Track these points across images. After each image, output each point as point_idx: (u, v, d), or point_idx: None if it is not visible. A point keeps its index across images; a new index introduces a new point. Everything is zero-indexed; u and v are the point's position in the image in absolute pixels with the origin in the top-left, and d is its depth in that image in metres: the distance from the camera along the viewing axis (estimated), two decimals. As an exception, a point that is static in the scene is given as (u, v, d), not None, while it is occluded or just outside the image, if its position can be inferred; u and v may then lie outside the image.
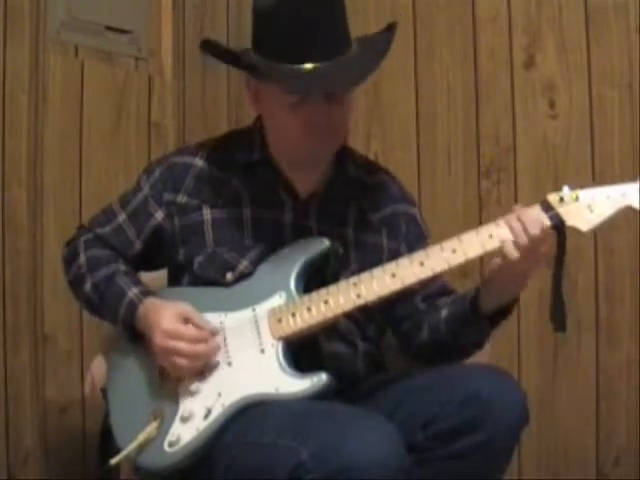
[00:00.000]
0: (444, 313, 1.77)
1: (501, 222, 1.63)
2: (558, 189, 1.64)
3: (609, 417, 2.47)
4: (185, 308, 1.71)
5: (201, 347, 1.67)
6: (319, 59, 1.66)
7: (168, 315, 1.68)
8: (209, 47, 1.77)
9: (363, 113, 2.73)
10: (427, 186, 2.70)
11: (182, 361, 1.66)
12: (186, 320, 1.69)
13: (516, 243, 1.59)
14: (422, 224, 1.89)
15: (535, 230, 1.58)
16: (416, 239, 1.79)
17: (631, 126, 2.44)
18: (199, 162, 1.82)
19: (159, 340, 1.68)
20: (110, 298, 1.77)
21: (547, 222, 1.61)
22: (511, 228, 1.60)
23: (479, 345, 1.78)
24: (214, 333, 1.70)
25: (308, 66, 1.65)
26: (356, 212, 1.83)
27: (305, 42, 1.66)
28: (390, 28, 1.76)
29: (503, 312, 1.72)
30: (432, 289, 1.81)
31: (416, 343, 1.82)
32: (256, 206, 1.79)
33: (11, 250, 2.56)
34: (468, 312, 1.72)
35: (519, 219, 1.60)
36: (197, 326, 1.69)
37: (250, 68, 1.72)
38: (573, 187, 1.63)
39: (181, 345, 1.66)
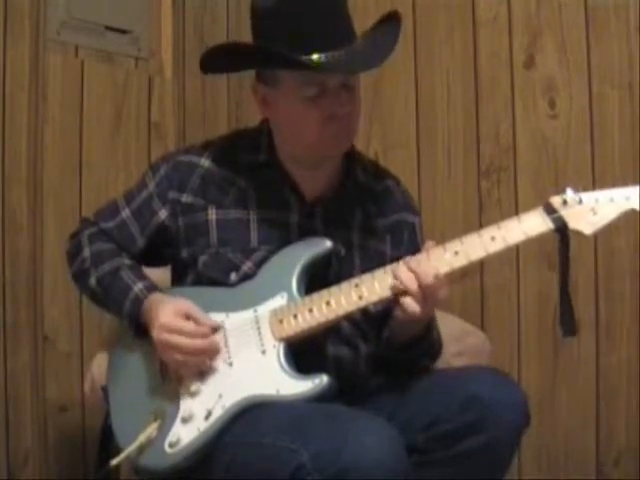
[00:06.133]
0: (385, 333, 1.79)
1: (502, 225, 1.63)
2: (558, 189, 1.64)
3: (609, 417, 2.47)
4: (186, 304, 1.71)
5: (198, 342, 1.67)
6: (327, 49, 1.65)
7: (167, 310, 1.68)
8: (221, 62, 1.77)
9: (363, 113, 2.70)
10: (427, 186, 2.70)
11: (179, 356, 1.66)
12: (186, 316, 1.69)
13: (414, 297, 1.60)
14: (419, 235, 1.89)
15: (428, 280, 1.60)
16: (414, 250, 1.74)
17: (631, 126, 2.44)
18: (205, 162, 1.81)
19: (157, 334, 1.67)
20: (115, 293, 1.77)
21: (550, 225, 1.61)
22: (402, 281, 1.61)
23: (418, 365, 1.79)
24: (214, 329, 1.70)
25: (315, 56, 1.64)
26: (362, 217, 1.83)
27: (312, 33, 1.65)
28: (388, 18, 1.76)
29: (420, 338, 1.73)
30: None
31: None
32: (262, 207, 1.78)
33: (11, 250, 2.56)
34: (389, 342, 1.75)
35: (410, 270, 1.61)
36: (197, 322, 1.69)
37: (278, 61, 1.67)
38: (576, 190, 1.63)
39: (178, 339, 1.66)
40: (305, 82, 1.68)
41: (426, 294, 1.60)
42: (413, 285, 1.60)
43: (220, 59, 1.77)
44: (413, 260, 1.63)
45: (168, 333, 1.66)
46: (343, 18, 1.71)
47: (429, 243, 1.66)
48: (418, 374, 1.75)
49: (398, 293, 1.62)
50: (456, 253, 1.63)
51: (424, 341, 1.74)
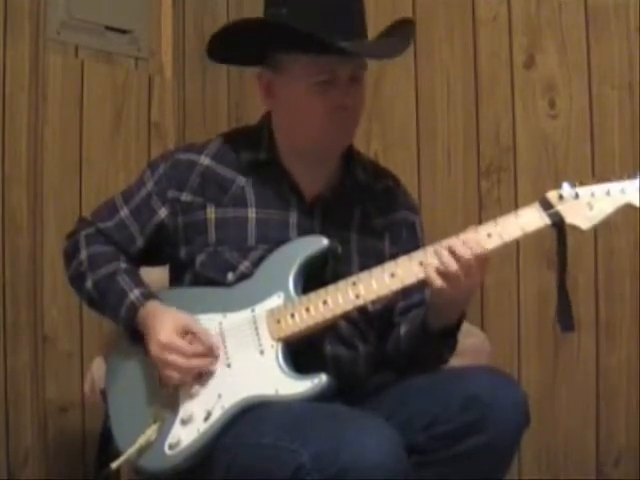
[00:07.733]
0: (403, 330, 1.79)
1: (499, 221, 1.62)
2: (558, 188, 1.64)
3: (609, 417, 2.47)
4: (185, 320, 1.70)
5: (195, 362, 1.67)
6: (348, 38, 1.66)
7: (167, 326, 1.67)
8: (231, 46, 1.76)
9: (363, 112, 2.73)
10: (427, 186, 2.70)
11: (175, 374, 1.66)
12: (185, 332, 1.68)
13: (440, 272, 1.59)
14: (420, 233, 1.89)
15: (454, 264, 1.58)
16: (413, 248, 1.72)
17: (631, 126, 2.44)
18: (205, 160, 1.80)
19: (155, 351, 1.67)
20: (111, 298, 1.76)
21: (547, 221, 1.60)
22: (439, 257, 1.60)
23: (441, 359, 1.78)
24: (213, 348, 1.69)
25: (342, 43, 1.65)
26: (361, 216, 1.82)
27: (336, 21, 1.67)
28: (397, 25, 1.78)
29: (453, 329, 1.72)
30: (411, 302, 1.81)
31: (382, 354, 1.83)
32: (261, 206, 1.78)
33: (11, 250, 2.56)
34: (419, 331, 1.73)
35: (449, 250, 1.59)
36: (197, 339, 1.68)
37: (310, 43, 1.66)
38: (573, 183, 1.62)
39: (175, 358, 1.66)
40: (316, 68, 1.69)
41: (481, 264, 1.59)
42: (468, 254, 1.57)
43: (244, 35, 1.75)
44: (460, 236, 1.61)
45: (168, 352, 1.66)
46: (360, 13, 1.73)
47: (471, 227, 1.64)
48: (427, 371, 1.74)
49: (441, 273, 1.59)
50: None
51: (457, 331, 1.73)
